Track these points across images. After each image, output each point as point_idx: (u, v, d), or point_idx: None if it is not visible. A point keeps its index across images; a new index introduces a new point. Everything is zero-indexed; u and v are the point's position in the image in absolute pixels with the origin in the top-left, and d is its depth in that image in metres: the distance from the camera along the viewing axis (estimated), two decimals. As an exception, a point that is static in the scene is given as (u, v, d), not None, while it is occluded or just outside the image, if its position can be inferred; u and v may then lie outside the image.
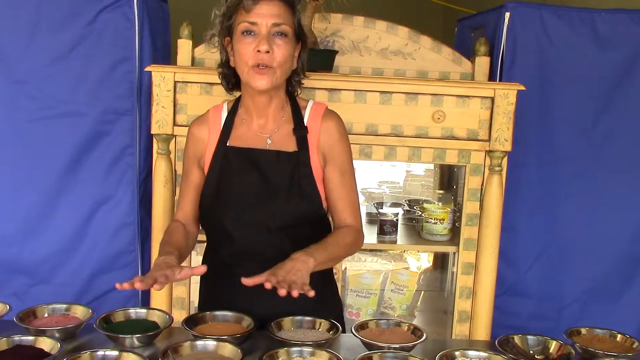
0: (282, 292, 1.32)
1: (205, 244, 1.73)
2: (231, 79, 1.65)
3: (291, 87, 1.66)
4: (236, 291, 1.58)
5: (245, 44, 1.51)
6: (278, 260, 1.52)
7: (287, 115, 1.64)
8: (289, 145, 1.61)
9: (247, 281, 1.38)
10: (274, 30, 1.51)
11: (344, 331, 1.59)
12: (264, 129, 1.63)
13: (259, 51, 1.49)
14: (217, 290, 1.67)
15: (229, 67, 1.62)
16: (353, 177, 1.67)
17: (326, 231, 1.67)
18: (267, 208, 1.58)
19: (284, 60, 1.52)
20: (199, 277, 1.73)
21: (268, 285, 1.35)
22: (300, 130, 1.61)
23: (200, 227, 1.73)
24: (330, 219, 1.69)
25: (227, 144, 1.63)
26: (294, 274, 1.40)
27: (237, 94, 1.68)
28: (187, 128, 1.71)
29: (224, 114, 1.66)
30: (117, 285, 1.32)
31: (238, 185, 1.60)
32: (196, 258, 2.17)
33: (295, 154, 1.60)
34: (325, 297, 1.68)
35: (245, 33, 1.51)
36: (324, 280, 1.70)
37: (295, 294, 1.33)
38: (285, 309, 1.53)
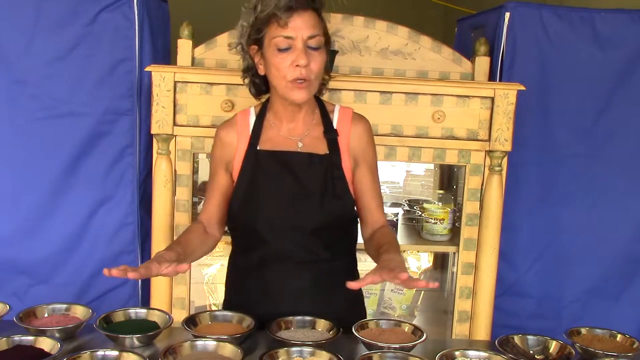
0: (404, 275, 1.31)
1: (231, 247, 1.74)
2: (262, 87, 1.66)
3: (317, 90, 1.67)
4: (265, 293, 1.62)
5: (282, 59, 1.51)
6: (309, 262, 1.59)
7: (317, 119, 1.66)
8: (320, 148, 1.63)
9: (353, 284, 1.33)
10: (309, 43, 1.51)
11: None
12: (294, 132, 1.65)
13: (297, 65, 1.50)
14: (244, 293, 1.68)
15: (258, 75, 1.62)
16: (378, 177, 1.72)
17: (355, 233, 1.70)
18: (300, 210, 1.59)
19: (319, 71, 1.55)
20: (225, 278, 1.77)
21: (378, 279, 1.34)
22: (331, 133, 1.64)
23: (227, 230, 1.73)
24: (359, 216, 1.70)
25: (258, 148, 1.63)
26: (398, 266, 1.38)
27: (265, 97, 1.69)
28: (215, 131, 1.71)
29: (252, 118, 1.67)
30: (105, 271, 1.32)
31: (271, 187, 1.61)
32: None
33: (327, 157, 1.62)
34: (356, 301, 1.75)
35: (281, 50, 1.51)
36: (353, 274, 1.74)
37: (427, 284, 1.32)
38: (313, 311, 1.55)
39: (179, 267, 1.39)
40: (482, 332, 2.29)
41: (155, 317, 1.52)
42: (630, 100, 2.38)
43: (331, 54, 2.21)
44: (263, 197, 1.61)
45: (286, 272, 1.61)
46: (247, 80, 1.69)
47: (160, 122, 2.15)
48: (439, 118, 2.19)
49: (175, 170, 2.19)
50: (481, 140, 2.21)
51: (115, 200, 2.36)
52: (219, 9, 3.64)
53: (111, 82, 2.28)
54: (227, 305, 1.74)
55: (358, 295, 1.77)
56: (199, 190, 2.83)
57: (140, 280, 2.42)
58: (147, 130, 2.29)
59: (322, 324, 1.52)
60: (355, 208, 1.68)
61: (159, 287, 2.22)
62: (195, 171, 2.59)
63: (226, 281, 1.77)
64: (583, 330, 1.56)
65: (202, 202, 2.75)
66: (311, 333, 1.49)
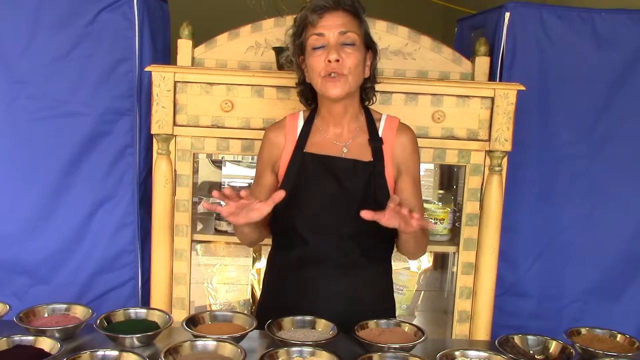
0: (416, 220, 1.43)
1: (270, 248, 1.79)
2: (308, 94, 1.72)
3: (365, 96, 1.72)
4: (301, 293, 1.65)
5: (316, 57, 1.58)
6: (345, 266, 1.63)
7: (362, 126, 1.70)
8: (365, 155, 1.67)
9: (366, 214, 1.45)
10: (342, 40, 1.57)
11: None
12: (340, 138, 1.69)
13: (329, 61, 1.55)
14: (282, 291, 1.71)
15: (305, 83, 1.68)
16: (421, 188, 1.75)
17: (392, 241, 1.74)
18: (341, 214, 1.63)
19: (354, 66, 1.58)
20: (263, 277, 1.82)
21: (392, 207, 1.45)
22: (376, 141, 1.68)
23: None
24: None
25: (304, 150, 1.67)
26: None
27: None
28: (263, 132, 1.78)
29: (300, 122, 1.72)
30: (205, 205, 1.47)
31: (314, 189, 1.65)
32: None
33: (371, 164, 1.66)
34: (388, 305, 1.78)
35: (315, 48, 1.58)
36: (387, 282, 1.79)
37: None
38: (346, 310, 1.59)
39: (275, 195, 1.49)
40: (482, 332, 2.29)
41: (155, 317, 1.52)
42: (630, 100, 2.38)
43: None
44: (306, 198, 1.65)
45: (322, 274, 1.65)
46: (298, 92, 1.75)
47: (160, 122, 2.15)
48: (439, 118, 2.19)
49: (175, 170, 2.19)
50: (481, 140, 2.21)
51: (115, 200, 2.36)
52: (219, 9, 3.64)
53: (111, 82, 2.28)
54: (263, 304, 1.79)
55: (390, 299, 1.80)
56: (199, 190, 2.84)
57: (140, 280, 2.42)
58: (147, 130, 2.29)
59: (322, 324, 1.52)
60: None
61: (159, 287, 2.22)
62: (195, 171, 2.60)
63: (264, 280, 1.81)
64: (583, 330, 1.56)
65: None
66: (311, 333, 1.49)
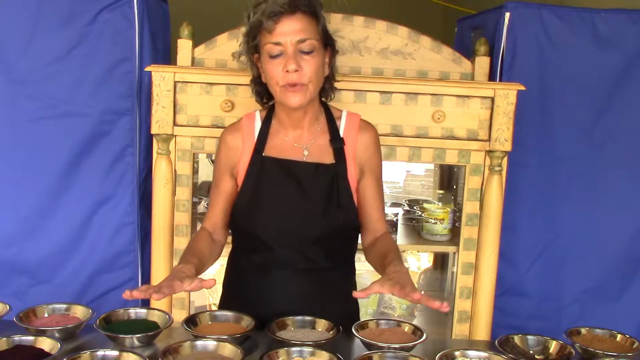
0: (417, 295, 1.28)
1: (231, 248, 1.74)
2: (264, 94, 1.66)
3: (324, 93, 1.66)
4: (263, 297, 1.62)
5: (274, 65, 1.51)
6: (309, 271, 1.59)
7: (322, 126, 1.65)
8: (326, 157, 1.63)
9: (359, 294, 1.33)
10: (300, 47, 1.50)
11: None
12: (300, 140, 1.64)
13: (287, 71, 1.49)
14: (241, 295, 1.68)
15: (261, 83, 1.62)
16: (383, 187, 1.71)
17: (356, 242, 1.70)
18: (304, 219, 1.59)
19: (314, 75, 1.52)
20: (223, 277, 1.76)
21: (385, 291, 1.33)
22: (337, 142, 1.63)
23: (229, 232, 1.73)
24: (361, 226, 1.69)
25: (264, 154, 1.63)
26: (409, 283, 1.35)
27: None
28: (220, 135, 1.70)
29: (258, 123, 1.66)
30: (126, 293, 1.29)
31: (275, 195, 1.60)
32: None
33: (333, 166, 1.62)
34: (351, 309, 1.74)
35: (272, 56, 1.51)
36: (351, 284, 1.74)
37: (441, 306, 1.29)
38: (306, 313, 1.55)
39: (204, 282, 1.39)
40: (482, 332, 2.29)
41: (155, 317, 1.52)
42: (630, 100, 2.38)
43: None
44: (267, 204, 1.60)
45: (286, 279, 1.61)
46: (252, 89, 1.69)
47: (160, 122, 2.15)
48: (439, 118, 2.19)
49: (175, 170, 2.19)
50: (481, 140, 2.21)
51: (115, 200, 2.36)
52: (219, 9, 3.64)
53: (111, 82, 2.28)
54: (225, 303, 1.74)
55: (354, 304, 1.76)
56: (199, 190, 2.84)
57: (140, 280, 2.42)
58: (147, 130, 2.29)
59: (322, 324, 1.52)
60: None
61: (159, 287, 2.22)
62: (195, 171, 2.59)
63: (224, 280, 1.77)
64: (583, 330, 1.56)
65: (207, 206, 2.76)
66: (311, 333, 1.49)
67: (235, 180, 1.66)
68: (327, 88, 1.65)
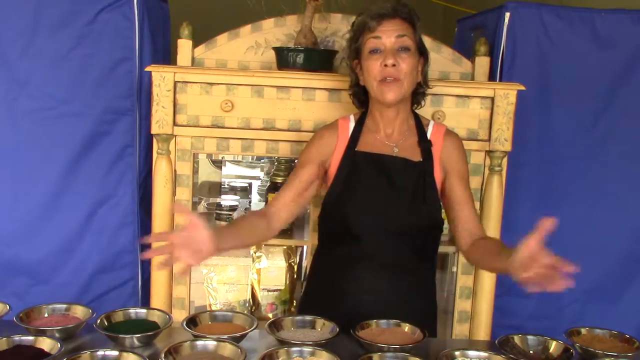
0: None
1: (316, 247, 1.83)
2: (361, 96, 1.78)
3: (415, 99, 1.78)
4: (348, 290, 1.68)
5: (373, 60, 1.64)
6: (393, 264, 1.67)
7: (412, 128, 1.77)
8: (414, 155, 1.72)
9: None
10: (398, 44, 1.64)
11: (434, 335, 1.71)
12: (391, 138, 1.74)
13: (385, 65, 1.62)
14: (328, 287, 1.74)
15: (359, 85, 1.75)
16: (471, 192, 1.77)
17: (438, 241, 1.77)
18: (392, 211, 1.67)
19: (409, 71, 1.64)
20: (309, 270, 1.87)
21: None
22: (425, 143, 1.73)
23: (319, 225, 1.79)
24: (453, 228, 1.74)
25: (356, 149, 1.72)
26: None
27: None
28: (316, 132, 1.82)
29: (352, 124, 1.77)
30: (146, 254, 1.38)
31: (366, 187, 1.69)
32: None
33: (421, 164, 1.71)
34: (431, 307, 1.80)
35: (372, 52, 1.65)
36: (433, 282, 1.80)
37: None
38: (390, 310, 1.59)
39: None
40: (482, 332, 2.29)
41: (155, 317, 1.52)
42: (630, 100, 2.38)
43: (331, 54, 2.21)
44: (358, 195, 1.69)
45: (372, 272, 1.68)
46: (350, 94, 1.81)
47: (160, 122, 2.14)
48: (439, 118, 2.19)
49: (175, 170, 2.19)
50: (481, 140, 2.21)
51: (115, 200, 2.36)
52: (219, 9, 3.64)
53: (111, 82, 2.28)
54: (306, 301, 1.82)
55: (434, 302, 1.81)
56: (199, 190, 2.84)
57: (140, 280, 2.42)
58: (147, 130, 2.29)
59: (322, 324, 1.52)
60: (447, 218, 1.75)
61: (159, 287, 2.22)
62: (195, 171, 2.60)
63: (309, 276, 1.84)
64: (583, 330, 1.56)
65: (207, 206, 2.76)
66: (311, 333, 1.49)
67: (320, 173, 1.74)
68: (418, 94, 1.77)
